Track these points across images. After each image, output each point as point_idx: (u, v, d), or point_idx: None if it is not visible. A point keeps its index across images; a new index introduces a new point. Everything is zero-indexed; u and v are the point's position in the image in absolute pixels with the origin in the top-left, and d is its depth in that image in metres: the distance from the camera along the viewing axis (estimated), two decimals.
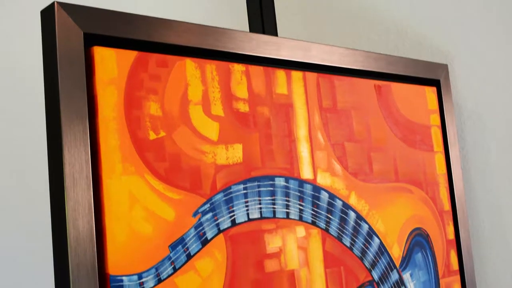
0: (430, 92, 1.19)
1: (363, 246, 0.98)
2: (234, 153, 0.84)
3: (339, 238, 0.95)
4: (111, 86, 0.74)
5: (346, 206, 0.97)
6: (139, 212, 0.73)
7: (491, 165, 1.29)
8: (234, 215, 0.82)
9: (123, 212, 0.72)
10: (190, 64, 0.82)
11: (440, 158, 1.18)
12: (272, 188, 0.87)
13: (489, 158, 1.29)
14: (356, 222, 0.98)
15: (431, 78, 1.20)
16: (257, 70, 0.89)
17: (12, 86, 0.72)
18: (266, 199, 0.86)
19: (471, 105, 1.31)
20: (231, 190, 0.83)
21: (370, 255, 0.99)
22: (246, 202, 0.84)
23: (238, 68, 0.87)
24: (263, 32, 1.05)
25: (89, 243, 0.68)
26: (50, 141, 0.71)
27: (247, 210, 0.84)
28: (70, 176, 0.68)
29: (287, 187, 0.89)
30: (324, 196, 0.94)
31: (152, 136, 0.76)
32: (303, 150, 0.93)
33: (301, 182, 0.91)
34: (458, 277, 1.16)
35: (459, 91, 1.31)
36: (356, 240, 0.97)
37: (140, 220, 0.73)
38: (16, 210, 0.70)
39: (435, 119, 1.19)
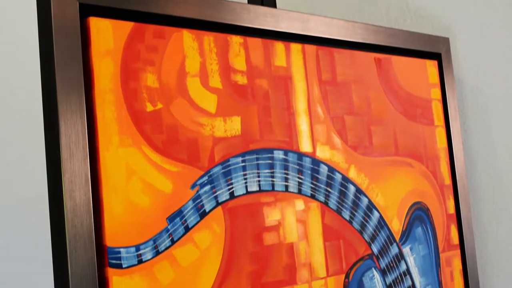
0: (431, 66, 1.18)
1: (362, 220, 0.98)
2: (232, 126, 0.83)
3: (339, 212, 0.95)
4: (107, 57, 0.73)
5: (346, 179, 0.97)
6: (136, 184, 0.73)
7: (492, 140, 1.28)
8: (232, 187, 0.82)
9: (120, 184, 0.72)
10: (187, 36, 0.81)
11: (440, 132, 1.17)
12: (270, 161, 0.87)
13: (490, 133, 1.28)
14: (355, 196, 0.98)
15: (432, 51, 1.19)
16: (255, 42, 0.88)
17: (7, 58, 0.71)
18: (265, 172, 0.86)
19: (473, 79, 1.30)
20: (230, 162, 0.82)
21: (370, 229, 0.99)
22: (245, 175, 0.84)
23: (236, 40, 0.86)
24: (262, 4, 1.03)
25: (86, 214, 0.68)
26: (46, 113, 0.70)
27: (246, 183, 0.84)
28: (67, 148, 0.68)
29: (286, 160, 0.89)
30: (324, 169, 0.94)
31: (149, 108, 0.76)
32: (302, 123, 0.92)
33: (300, 155, 0.91)
34: (458, 251, 1.16)
35: (460, 65, 1.30)
36: (355, 213, 0.97)
37: (137, 192, 0.73)
38: (13, 186, 0.70)
39: (436, 93, 1.18)
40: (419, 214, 1.09)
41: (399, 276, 1.02)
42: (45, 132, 0.70)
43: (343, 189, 0.96)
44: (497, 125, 1.27)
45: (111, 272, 0.69)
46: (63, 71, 0.69)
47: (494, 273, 1.28)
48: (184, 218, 0.76)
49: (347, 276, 0.94)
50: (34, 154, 0.70)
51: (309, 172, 0.91)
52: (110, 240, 0.70)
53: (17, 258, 0.67)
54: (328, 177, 0.94)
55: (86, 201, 0.68)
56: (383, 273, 1.00)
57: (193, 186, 0.78)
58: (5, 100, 0.71)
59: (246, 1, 0.95)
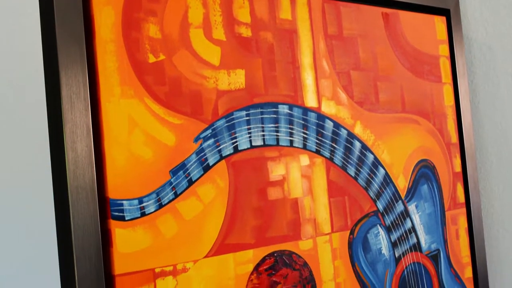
0: (439, 22, 1.16)
1: (368, 177, 0.97)
2: (236, 79, 0.82)
3: (344, 168, 0.94)
4: (108, 6, 0.71)
5: (351, 135, 0.95)
6: (138, 136, 0.72)
7: (500, 99, 1.26)
8: (236, 141, 0.81)
9: (123, 136, 0.70)
10: None
11: (448, 90, 1.15)
12: (275, 116, 0.86)
13: (498, 91, 1.26)
14: (361, 152, 0.97)
15: (441, 7, 1.17)
16: None
17: (6, 10, 0.70)
18: (269, 126, 0.85)
19: (481, 36, 1.28)
20: (233, 116, 0.81)
21: (375, 186, 0.98)
22: (249, 129, 0.83)
23: None
24: None
25: (88, 166, 0.67)
26: (47, 63, 0.69)
27: (250, 137, 0.82)
28: (67, 98, 0.67)
29: (290, 115, 0.87)
30: (329, 125, 0.92)
31: (152, 59, 0.74)
32: (307, 77, 0.90)
33: (305, 110, 0.89)
34: (464, 210, 1.15)
35: (469, 21, 1.28)
36: (361, 170, 0.96)
37: (140, 145, 0.72)
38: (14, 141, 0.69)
39: (444, 49, 1.16)
40: (425, 172, 1.08)
41: (404, 234, 1.02)
42: (45, 82, 0.68)
43: (349, 145, 0.95)
44: (505, 83, 1.25)
45: (113, 225, 0.69)
46: (63, 21, 0.68)
47: (500, 232, 1.28)
48: (188, 172, 0.76)
49: (351, 233, 0.94)
50: (35, 108, 0.69)
51: (314, 127, 0.90)
52: (112, 192, 0.69)
53: (18, 212, 0.67)
54: (334, 132, 0.93)
55: (88, 152, 0.67)
56: (388, 230, 0.99)
57: (196, 139, 0.77)
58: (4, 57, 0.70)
59: None
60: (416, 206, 1.05)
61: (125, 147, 0.70)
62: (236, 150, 0.81)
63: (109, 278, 0.69)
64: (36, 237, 0.69)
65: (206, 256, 0.76)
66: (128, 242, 0.70)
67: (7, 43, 0.71)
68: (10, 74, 0.70)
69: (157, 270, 0.72)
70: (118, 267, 0.69)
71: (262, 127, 0.84)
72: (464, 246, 1.14)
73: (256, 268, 0.81)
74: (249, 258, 0.81)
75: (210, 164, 0.78)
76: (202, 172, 0.77)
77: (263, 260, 0.82)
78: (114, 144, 0.70)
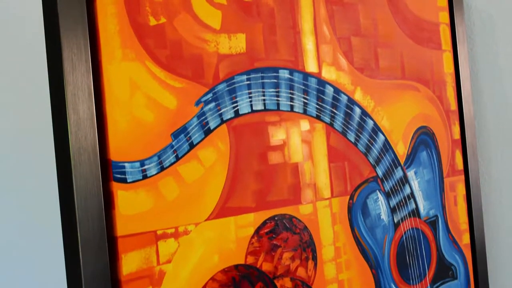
0: None
1: (367, 142, 0.97)
2: (237, 43, 0.82)
3: (344, 133, 0.94)
4: None
5: (351, 101, 0.96)
6: (140, 99, 0.72)
7: (500, 67, 1.26)
8: (237, 105, 0.81)
9: (124, 99, 0.71)
10: None
11: (448, 57, 1.15)
12: (276, 80, 0.86)
13: (498, 59, 1.26)
14: (361, 118, 0.97)
15: None
16: None
17: None
18: (270, 91, 0.85)
19: (481, 4, 1.27)
20: (234, 80, 0.81)
21: (375, 152, 0.99)
22: (250, 93, 0.83)
23: None
24: None
25: (90, 128, 0.67)
26: (47, 26, 0.69)
27: (251, 101, 0.83)
28: (69, 60, 0.66)
29: (291, 80, 0.87)
30: (329, 90, 0.92)
31: (153, 22, 0.74)
32: (308, 42, 0.90)
33: (306, 75, 0.89)
34: (462, 177, 1.15)
35: None
36: (361, 136, 0.96)
37: (141, 107, 0.72)
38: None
39: (444, 16, 1.15)
40: (424, 139, 1.08)
41: (403, 200, 1.03)
42: (46, 44, 0.68)
43: (349, 111, 0.95)
44: (505, 51, 1.25)
45: (116, 187, 0.69)
46: None
47: (497, 200, 1.29)
48: (189, 135, 0.76)
49: (351, 198, 0.94)
50: (36, 71, 0.69)
51: (315, 92, 0.90)
52: (114, 154, 0.69)
53: (20, 174, 0.67)
54: (334, 98, 0.93)
55: (90, 114, 0.68)
56: (387, 196, 1.00)
57: (197, 103, 0.77)
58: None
59: None
60: (415, 173, 1.06)
61: (126, 109, 0.71)
62: (237, 114, 0.81)
63: (111, 239, 0.69)
64: (38, 200, 0.69)
65: (207, 219, 0.77)
66: (130, 204, 0.70)
67: (7, 6, 0.70)
68: (10, 37, 0.69)
69: (159, 232, 0.72)
70: (121, 229, 0.69)
71: (263, 92, 0.84)
72: (462, 212, 1.15)
73: (257, 231, 0.82)
74: (250, 221, 0.81)
75: (211, 128, 0.78)
76: (203, 136, 0.77)
77: (264, 223, 0.83)
78: (116, 107, 0.70)
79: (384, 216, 0.99)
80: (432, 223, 1.08)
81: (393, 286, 1.00)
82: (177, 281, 0.74)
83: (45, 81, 0.69)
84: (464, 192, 1.15)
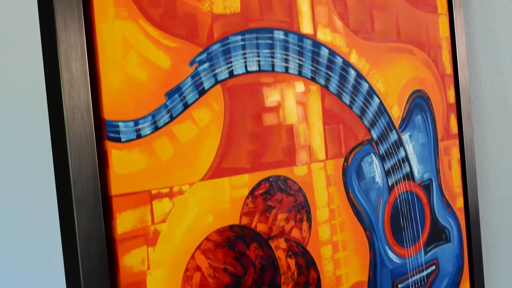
0: None
1: (362, 105, 0.97)
2: (231, 3, 0.81)
3: (339, 96, 0.94)
4: None
5: (347, 63, 0.95)
6: (133, 58, 0.71)
7: (495, 32, 1.25)
8: (231, 66, 0.81)
9: (117, 58, 0.70)
10: None
11: (444, 21, 1.15)
12: (270, 41, 0.85)
13: (494, 24, 1.25)
14: (356, 81, 0.96)
15: None
16: None
17: None
18: (265, 52, 0.84)
19: None
20: (229, 40, 0.80)
21: (370, 114, 0.98)
22: (244, 54, 0.82)
23: None
24: None
25: (83, 86, 0.67)
26: None
27: (245, 62, 0.82)
28: (61, 18, 0.66)
29: (286, 41, 0.87)
30: (324, 52, 0.92)
31: None
32: (303, 4, 0.89)
33: (301, 37, 0.89)
34: (456, 141, 1.16)
35: None
36: (356, 98, 0.96)
37: (135, 66, 0.71)
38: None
39: None
40: (419, 102, 1.08)
41: (397, 163, 1.03)
42: (38, 2, 0.67)
43: (344, 73, 0.94)
44: (501, 17, 1.24)
45: (110, 146, 0.69)
46: None
47: (491, 165, 1.29)
48: (183, 95, 0.75)
49: (346, 160, 0.94)
50: (29, 30, 0.69)
51: (310, 54, 0.90)
52: (108, 113, 0.69)
53: (13, 132, 0.67)
54: (329, 60, 0.92)
55: (83, 73, 0.67)
56: (382, 159, 1.00)
57: (191, 63, 0.77)
58: None
59: None
60: (410, 136, 1.06)
61: (120, 68, 0.70)
62: (231, 74, 0.80)
63: (106, 199, 0.69)
64: (32, 159, 0.69)
65: (202, 179, 0.77)
66: (125, 164, 0.70)
67: None
68: None
69: (153, 191, 0.72)
70: (115, 188, 0.69)
71: (258, 53, 0.83)
72: (456, 176, 1.15)
73: (252, 192, 0.82)
74: (245, 182, 0.81)
75: (206, 88, 0.78)
76: (198, 96, 0.77)
77: (259, 184, 0.83)
78: (109, 66, 0.69)
79: (379, 179, 0.99)
80: (426, 187, 1.08)
81: (387, 248, 1.01)
82: (172, 240, 0.74)
83: (37, 39, 0.69)
84: (458, 156, 1.16)
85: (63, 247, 0.68)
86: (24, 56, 0.67)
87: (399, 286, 1.03)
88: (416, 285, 1.06)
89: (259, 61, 0.83)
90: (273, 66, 0.85)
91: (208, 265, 0.77)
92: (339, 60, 0.94)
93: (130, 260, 0.70)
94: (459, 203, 1.15)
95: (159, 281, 0.73)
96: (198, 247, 0.76)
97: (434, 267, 1.10)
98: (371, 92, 0.99)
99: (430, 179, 1.09)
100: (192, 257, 0.76)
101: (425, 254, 1.08)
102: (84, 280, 0.66)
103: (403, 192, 1.04)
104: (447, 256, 1.13)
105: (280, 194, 0.85)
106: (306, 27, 0.89)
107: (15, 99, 0.67)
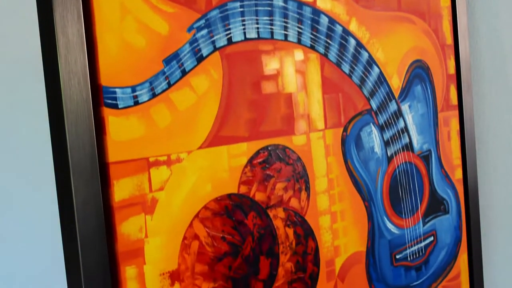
0: None
1: (362, 74, 0.96)
2: None
3: (338, 65, 0.93)
4: None
5: (346, 32, 0.94)
6: (131, 24, 0.70)
7: (497, 3, 1.24)
8: (230, 33, 0.79)
9: (115, 23, 0.69)
10: None
11: None
12: (270, 8, 0.84)
13: None
14: (356, 50, 0.95)
15: None
16: None
17: None
18: (264, 19, 0.83)
19: None
20: (227, 7, 0.79)
21: (369, 84, 0.97)
22: (243, 20, 0.81)
23: None
24: None
25: (80, 51, 0.66)
26: None
27: (244, 29, 0.81)
28: None
29: (285, 8, 0.85)
30: (324, 20, 0.90)
31: None
32: None
33: (300, 4, 0.87)
34: (456, 112, 1.15)
35: None
36: (355, 67, 0.95)
37: (132, 32, 0.70)
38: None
39: None
40: (419, 72, 1.07)
41: (396, 133, 1.02)
42: None
43: (343, 41, 0.93)
44: None
45: (106, 112, 0.68)
46: None
47: (490, 137, 1.29)
48: (181, 62, 0.74)
49: (345, 130, 0.94)
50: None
51: (309, 22, 0.88)
52: (105, 79, 0.68)
53: (9, 98, 0.66)
54: (329, 28, 0.91)
55: (79, 38, 0.66)
56: (381, 129, 0.99)
57: (189, 29, 0.75)
58: None
59: None
60: (409, 106, 1.05)
61: (117, 34, 0.69)
62: (230, 41, 0.79)
63: (103, 166, 0.69)
64: (28, 125, 0.68)
65: (200, 148, 0.76)
66: (122, 130, 0.69)
67: None
68: None
69: (151, 159, 0.72)
70: (112, 155, 0.68)
71: (256, 20, 0.82)
72: (455, 148, 1.15)
73: (250, 161, 0.81)
74: (243, 151, 0.81)
75: (204, 55, 0.77)
76: (196, 63, 0.76)
77: (257, 153, 0.82)
78: (106, 31, 0.68)
79: (378, 149, 0.99)
80: (425, 158, 1.08)
81: (386, 219, 1.00)
82: (170, 208, 0.73)
83: (32, 2, 0.67)
84: (458, 128, 1.15)
85: (60, 214, 0.68)
86: (19, 20, 0.66)
87: (397, 256, 1.03)
88: (414, 256, 1.06)
89: (258, 28, 0.82)
90: (272, 33, 0.84)
91: (206, 233, 0.77)
92: (338, 29, 0.92)
93: (127, 227, 0.70)
94: (458, 175, 1.15)
95: (157, 249, 0.72)
96: (196, 216, 0.76)
97: (432, 238, 1.10)
98: (371, 61, 0.98)
99: (429, 150, 1.09)
100: (190, 225, 0.75)
101: (423, 225, 1.08)
102: (81, 247, 0.66)
103: (402, 163, 1.03)
104: (445, 227, 1.13)
105: (278, 163, 0.85)
106: None
107: (10, 64, 0.66)
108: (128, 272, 0.70)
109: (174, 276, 0.74)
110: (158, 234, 0.72)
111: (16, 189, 0.67)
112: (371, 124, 0.98)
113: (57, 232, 0.69)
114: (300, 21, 0.87)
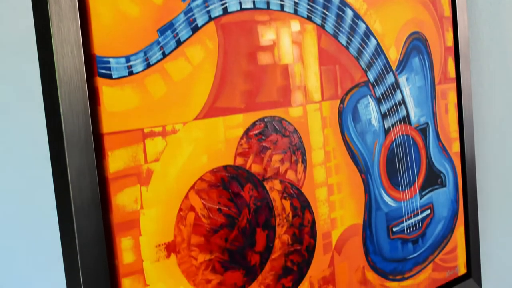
0: None
1: (359, 46, 0.95)
2: None
3: (335, 36, 0.92)
4: None
5: (343, 3, 0.93)
6: None
7: None
8: (225, 2, 0.78)
9: None
10: None
11: None
12: None
13: None
14: (353, 21, 0.94)
15: None
16: None
17: None
18: None
19: None
20: None
21: (367, 56, 0.97)
22: None
23: None
24: None
25: (73, 20, 0.65)
26: None
27: None
28: None
29: None
30: None
31: None
32: None
33: None
34: (454, 85, 1.14)
35: None
36: (352, 39, 0.94)
37: (126, 1, 0.69)
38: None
39: None
40: (417, 44, 1.06)
41: (394, 106, 1.01)
42: None
43: (340, 12, 0.92)
44: None
45: (100, 82, 0.67)
46: None
47: (488, 109, 1.28)
48: (176, 31, 0.73)
49: (342, 102, 0.93)
50: None
51: None
52: (98, 49, 0.67)
53: (1, 65, 0.65)
54: None
55: (72, 6, 0.65)
56: (378, 101, 0.99)
57: None
58: None
59: None
60: (407, 79, 1.04)
61: (110, 2, 0.68)
62: (225, 11, 0.78)
63: (97, 137, 0.68)
64: (21, 94, 0.67)
65: (195, 119, 0.76)
66: (116, 101, 0.68)
67: None
68: None
69: (146, 130, 0.71)
70: (107, 126, 0.68)
71: None
72: (453, 121, 1.14)
73: (246, 132, 0.81)
74: (239, 122, 0.80)
75: (199, 25, 0.76)
76: (191, 33, 0.75)
77: (253, 125, 0.82)
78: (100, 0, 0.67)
79: (375, 121, 0.98)
80: (423, 131, 1.07)
81: (382, 191, 1.00)
82: (166, 180, 0.73)
83: None
84: (456, 101, 1.14)
85: (55, 186, 0.67)
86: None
87: (394, 229, 1.03)
88: (411, 229, 1.06)
89: None
90: (268, 3, 0.83)
91: (202, 205, 0.77)
92: None
93: (122, 199, 0.69)
94: (455, 148, 1.15)
95: (153, 220, 0.72)
96: (192, 187, 0.76)
97: (429, 211, 1.10)
98: (368, 33, 0.97)
99: (427, 123, 1.08)
100: (186, 197, 0.75)
101: (420, 198, 1.07)
102: (76, 218, 0.66)
103: (399, 136, 1.03)
104: (442, 200, 1.12)
105: (275, 135, 0.84)
106: None
107: (1, 34, 0.65)
108: (124, 244, 0.69)
109: (170, 247, 0.74)
110: (153, 206, 0.72)
111: (9, 160, 0.67)
112: (368, 96, 0.97)
113: (52, 203, 0.69)
114: None
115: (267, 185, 0.83)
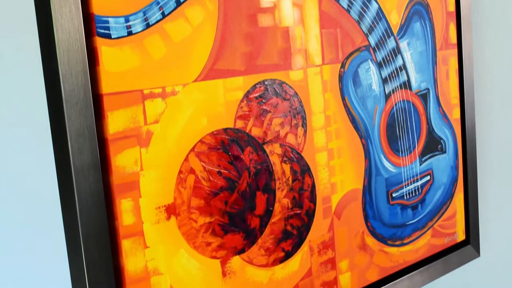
0: None
1: (360, 10, 0.94)
2: None
3: None
4: None
5: None
6: None
7: None
8: None
9: None
10: None
11: None
12: None
13: None
14: None
15: None
16: None
17: None
18: None
19: None
20: None
21: (368, 20, 0.96)
22: None
23: None
24: None
25: None
26: None
27: None
28: None
29: None
30: None
31: None
32: None
33: None
34: (455, 50, 1.13)
35: None
36: (353, 2, 0.93)
37: None
38: None
39: None
40: (418, 9, 1.05)
41: (395, 71, 1.01)
42: None
43: None
44: None
45: (99, 42, 0.66)
46: None
47: (489, 76, 1.27)
48: None
49: (342, 66, 0.92)
50: None
51: None
52: (97, 8, 0.66)
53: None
54: None
55: None
56: (379, 66, 0.98)
57: None
58: None
59: None
60: (408, 44, 1.03)
61: None
62: None
63: (96, 97, 0.67)
64: (20, 55, 0.66)
65: (195, 80, 0.75)
66: (115, 61, 0.68)
67: None
68: None
69: (145, 91, 0.70)
70: (106, 86, 0.67)
71: None
72: (454, 87, 1.13)
73: (246, 95, 0.80)
74: (239, 85, 0.79)
75: None
76: None
77: (253, 87, 0.81)
78: None
79: (376, 86, 0.97)
80: (423, 96, 1.07)
81: (382, 157, 1.00)
82: (165, 141, 0.72)
83: None
84: (457, 67, 1.14)
85: (54, 147, 0.67)
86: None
87: (394, 195, 1.03)
88: (411, 195, 1.06)
89: None
90: None
91: (202, 168, 0.76)
92: None
93: (122, 160, 0.69)
94: (455, 114, 1.14)
95: (153, 182, 0.72)
96: (192, 150, 0.75)
97: (428, 177, 1.09)
98: None
99: (427, 89, 1.08)
100: (186, 159, 0.75)
101: (420, 164, 1.07)
102: (76, 180, 0.65)
103: (400, 101, 1.02)
104: (442, 167, 1.12)
105: (275, 98, 0.83)
106: None
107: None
108: (124, 205, 0.69)
109: (170, 209, 0.73)
110: (153, 167, 0.72)
111: (7, 123, 0.66)
112: (369, 60, 0.96)
113: (52, 165, 0.68)
114: None
115: (267, 149, 0.83)
